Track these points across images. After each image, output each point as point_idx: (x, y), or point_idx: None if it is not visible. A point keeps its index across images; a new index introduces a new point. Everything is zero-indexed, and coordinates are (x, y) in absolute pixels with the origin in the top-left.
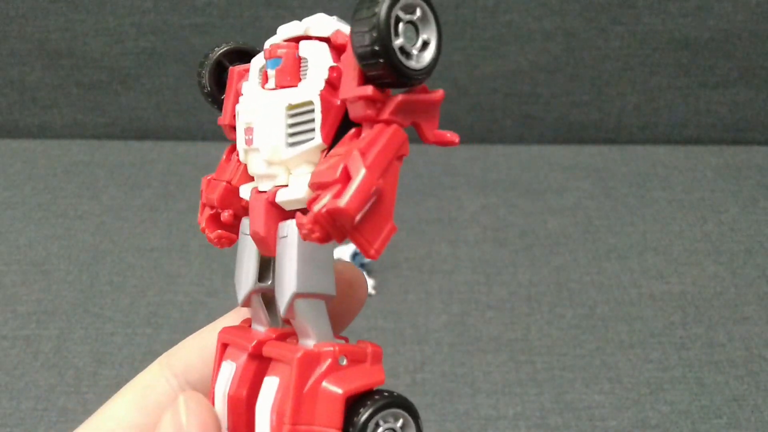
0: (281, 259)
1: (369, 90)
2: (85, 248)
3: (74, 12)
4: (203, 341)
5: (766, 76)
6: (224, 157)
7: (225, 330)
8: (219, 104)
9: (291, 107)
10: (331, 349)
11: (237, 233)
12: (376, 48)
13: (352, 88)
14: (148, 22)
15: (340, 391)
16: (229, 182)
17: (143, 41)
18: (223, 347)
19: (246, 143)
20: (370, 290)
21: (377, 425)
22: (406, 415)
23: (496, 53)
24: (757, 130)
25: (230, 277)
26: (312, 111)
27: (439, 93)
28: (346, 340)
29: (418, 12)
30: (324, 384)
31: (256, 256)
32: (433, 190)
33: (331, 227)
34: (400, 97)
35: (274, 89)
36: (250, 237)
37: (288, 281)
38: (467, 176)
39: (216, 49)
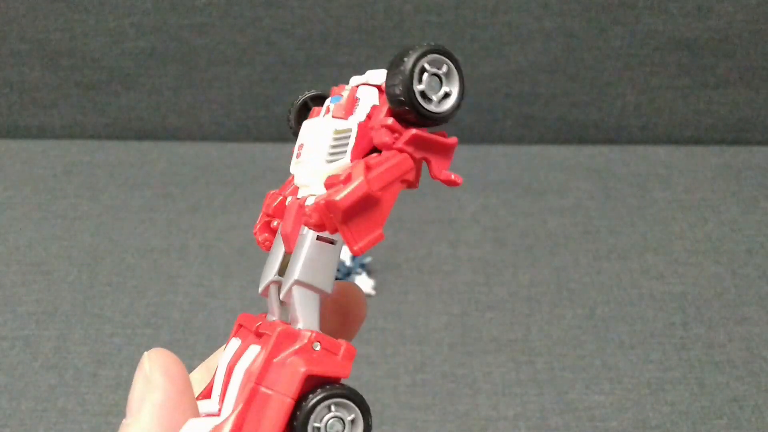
0: (295, 252)
1: (389, 120)
2: (85, 249)
3: (74, 12)
4: None
5: (767, 76)
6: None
7: (243, 315)
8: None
9: (337, 132)
10: (309, 333)
11: None
12: (400, 88)
13: (379, 119)
14: (147, 22)
15: (303, 368)
16: (286, 196)
17: (143, 41)
18: (238, 327)
19: (296, 156)
20: (370, 290)
21: (329, 409)
22: (358, 411)
23: (496, 53)
24: (758, 130)
25: (229, 278)
26: (350, 137)
27: (453, 140)
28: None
29: (444, 68)
30: (292, 358)
31: (282, 252)
32: (433, 190)
33: (325, 217)
34: (414, 131)
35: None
36: (281, 237)
37: (293, 269)
38: (467, 176)
39: (305, 92)
